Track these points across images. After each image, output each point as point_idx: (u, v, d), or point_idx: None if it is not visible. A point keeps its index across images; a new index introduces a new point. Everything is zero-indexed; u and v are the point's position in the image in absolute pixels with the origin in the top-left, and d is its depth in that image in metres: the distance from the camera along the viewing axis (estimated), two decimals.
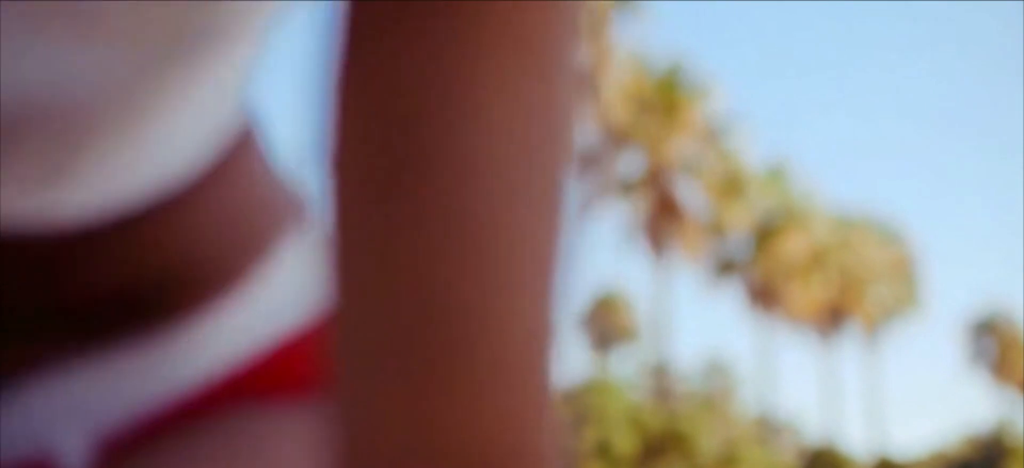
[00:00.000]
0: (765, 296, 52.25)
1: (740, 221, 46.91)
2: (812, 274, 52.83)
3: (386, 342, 0.51)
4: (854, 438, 63.47)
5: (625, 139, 41.67)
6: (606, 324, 64.34)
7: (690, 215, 44.31)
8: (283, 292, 0.75)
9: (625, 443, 40.09)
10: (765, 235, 51.02)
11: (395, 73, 0.47)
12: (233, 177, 0.70)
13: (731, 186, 45.25)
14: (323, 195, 0.50)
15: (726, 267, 51.79)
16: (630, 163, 42.99)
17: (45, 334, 0.63)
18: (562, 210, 0.50)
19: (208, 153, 0.67)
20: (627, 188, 43.06)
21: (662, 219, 43.38)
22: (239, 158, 0.71)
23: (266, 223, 0.75)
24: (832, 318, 58.14)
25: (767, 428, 56.32)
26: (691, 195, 44.47)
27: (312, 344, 0.76)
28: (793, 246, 51.36)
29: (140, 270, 0.65)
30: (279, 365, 0.75)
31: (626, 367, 52.82)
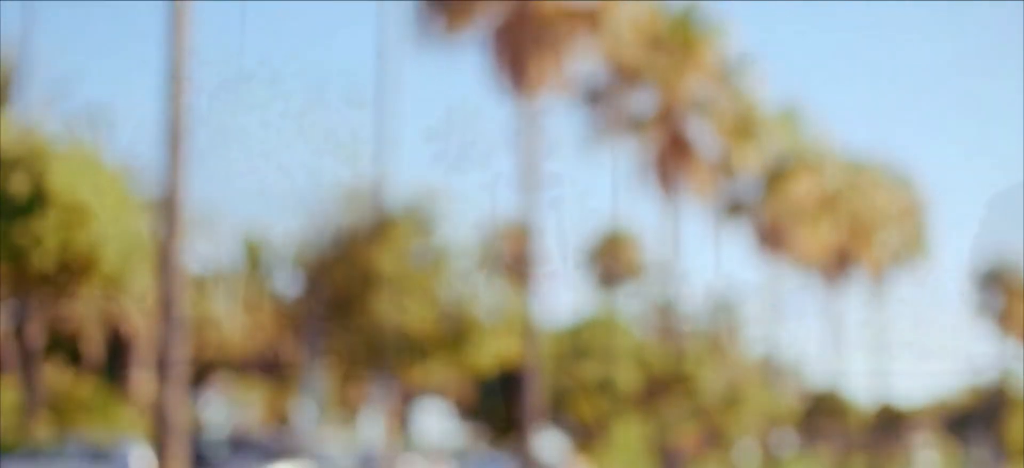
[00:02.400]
0: (773, 238, 52.18)
1: (751, 162, 46.77)
2: (821, 217, 52.72)
3: None
4: (857, 384, 63.57)
5: (637, 77, 41.50)
6: (613, 261, 64.29)
7: (701, 154, 44.19)
8: None
9: (629, 380, 40.19)
10: (775, 177, 50.90)
11: None
12: None
13: (743, 127, 45.10)
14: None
15: (735, 208, 51.73)
16: (641, 101, 42.84)
17: None
18: None
19: None
20: (638, 125, 42.93)
21: (672, 158, 43.27)
22: None
23: None
24: (839, 262, 58.10)
25: (771, 370, 56.39)
26: (702, 134, 44.33)
27: None
28: (803, 189, 51.22)
29: None
30: None
31: (632, 304, 52.83)
